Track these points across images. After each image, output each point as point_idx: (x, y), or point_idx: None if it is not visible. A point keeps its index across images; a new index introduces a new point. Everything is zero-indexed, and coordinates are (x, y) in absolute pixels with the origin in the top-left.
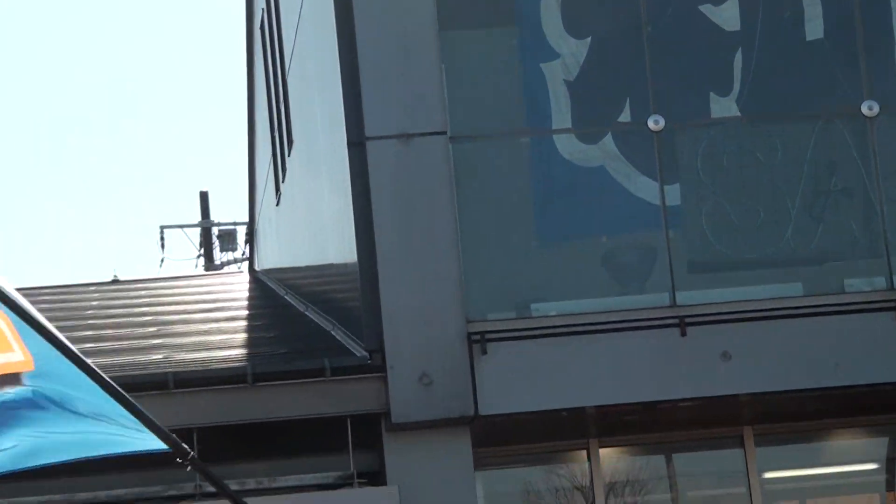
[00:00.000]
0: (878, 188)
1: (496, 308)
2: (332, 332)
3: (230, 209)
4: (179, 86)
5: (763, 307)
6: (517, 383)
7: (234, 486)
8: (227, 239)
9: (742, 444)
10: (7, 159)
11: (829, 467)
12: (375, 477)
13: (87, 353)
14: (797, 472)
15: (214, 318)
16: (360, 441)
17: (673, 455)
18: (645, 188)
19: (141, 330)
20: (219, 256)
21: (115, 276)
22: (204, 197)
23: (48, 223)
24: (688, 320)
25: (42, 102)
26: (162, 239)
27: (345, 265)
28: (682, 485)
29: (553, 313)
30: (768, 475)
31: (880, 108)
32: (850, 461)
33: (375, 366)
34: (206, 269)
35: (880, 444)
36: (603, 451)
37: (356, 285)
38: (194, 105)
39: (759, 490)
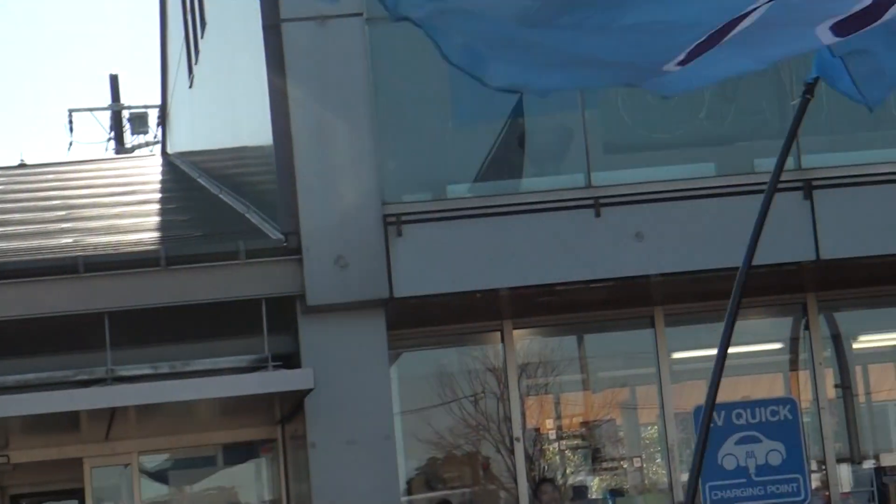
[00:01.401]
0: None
1: (412, 190)
2: (247, 215)
3: (141, 92)
4: None
5: (676, 188)
6: (432, 265)
7: (146, 371)
8: (139, 122)
9: (653, 325)
10: None
11: (736, 347)
12: (290, 359)
13: None
14: (705, 352)
15: (125, 201)
16: (274, 324)
17: (585, 336)
18: None
19: (49, 214)
20: (130, 140)
21: (22, 160)
22: (114, 80)
23: None
24: (602, 201)
25: None
26: (70, 122)
27: (260, 148)
28: (593, 365)
29: (469, 195)
30: (677, 355)
31: None
32: (756, 341)
33: (291, 248)
34: (117, 153)
35: (785, 323)
36: (516, 333)
37: (271, 168)
38: None
39: (667, 370)
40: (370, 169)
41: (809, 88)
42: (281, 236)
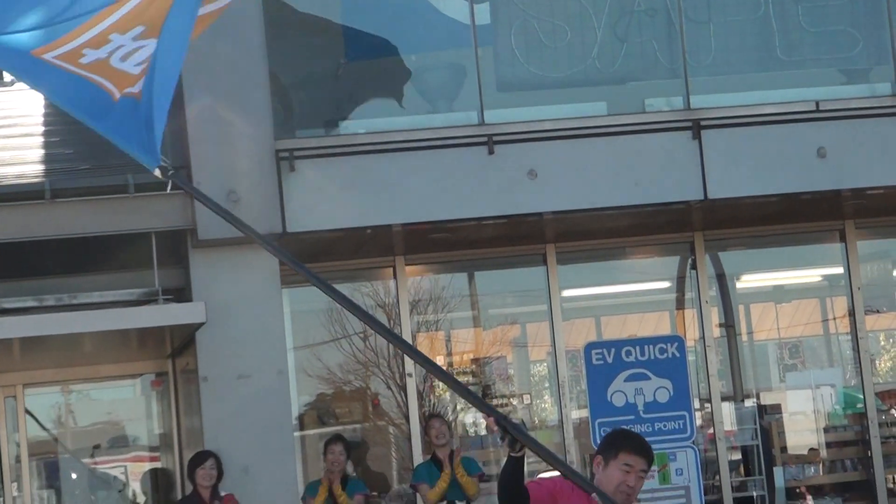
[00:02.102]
0: (678, 8)
1: (304, 126)
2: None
3: None
4: None
5: (568, 126)
6: (325, 201)
7: (31, 304)
8: None
9: (545, 262)
10: None
11: (624, 285)
12: (181, 293)
13: None
14: (596, 290)
15: (7, 134)
16: (165, 258)
17: (476, 273)
18: (454, 6)
19: None
20: None
21: None
22: None
23: None
24: (495, 139)
25: None
26: None
27: None
28: (484, 303)
29: (362, 131)
30: (568, 293)
31: None
32: (644, 279)
33: None
34: None
35: (672, 262)
36: (409, 269)
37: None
38: None
39: (559, 308)
40: (262, 104)
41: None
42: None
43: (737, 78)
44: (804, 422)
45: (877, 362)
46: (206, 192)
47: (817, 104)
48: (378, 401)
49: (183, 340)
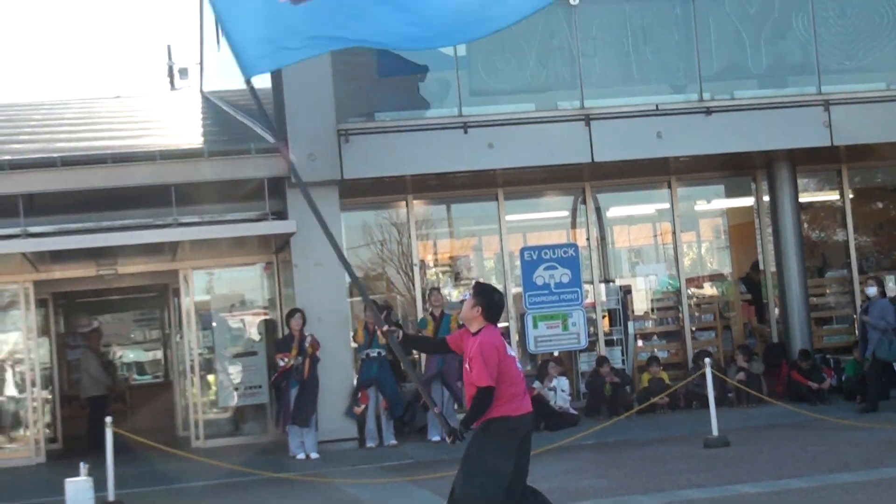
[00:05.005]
0: (577, 45)
1: (354, 114)
2: (255, 129)
3: (188, 55)
4: None
5: (512, 117)
6: (365, 160)
7: (195, 219)
8: (184, 72)
9: (496, 199)
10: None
11: (544, 213)
12: (281, 214)
13: None
14: (525, 216)
15: (178, 119)
16: (272, 193)
17: (453, 205)
18: None
19: (132, 125)
20: (178, 83)
21: (118, 95)
22: (168, 47)
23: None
24: (469, 124)
25: None
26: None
27: (263, 89)
28: (457, 223)
29: (388, 119)
30: (510, 218)
31: None
32: (554, 209)
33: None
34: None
35: (570, 201)
36: (415, 203)
37: (270, 100)
38: None
39: (504, 226)
40: (329, 100)
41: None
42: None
43: (609, 89)
44: (643, 295)
45: (685, 261)
46: (296, 153)
47: (657, 106)
48: (391, 281)
49: (282, 242)
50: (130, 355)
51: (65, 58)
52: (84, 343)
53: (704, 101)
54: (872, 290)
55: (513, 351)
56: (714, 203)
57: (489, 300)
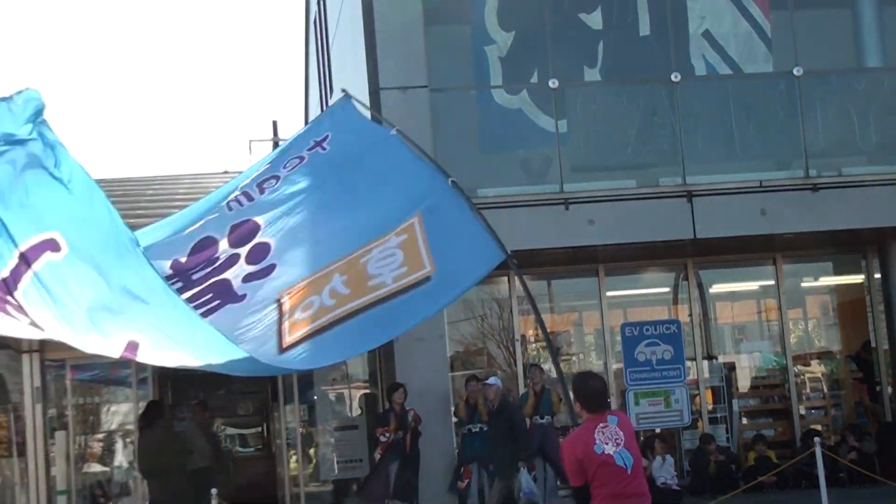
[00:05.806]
0: (679, 120)
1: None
2: None
3: (292, 128)
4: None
5: (612, 193)
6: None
7: None
8: None
9: (597, 274)
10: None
11: (645, 289)
12: None
13: None
14: (626, 292)
15: None
16: None
17: (553, 281)
18: (545, 121)
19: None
20: None
21: (225, 170)
22: (274, 124)
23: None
24: (569, 200)
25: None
26: (250, 149)
27: None
28: (558, 298)
29: (491, 195)
30: (610, 293)
31: None
32: (654, 286)
33: None
34: None
35: (671, 276)
36: (517, 277)
37: None
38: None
39: (605, 302)
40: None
41: None
42: None
43: (711, 165)
44: (747, 372)
45: (791, 338)
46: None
47: (761, 182)
48: (493, 356)
49: None
50: (233, 428)
51: (175, 133)
52: (189, 415)
53: (811, 178)
54: None
55: (612, 447)
56: (822, 280)
57: (578, 387)
